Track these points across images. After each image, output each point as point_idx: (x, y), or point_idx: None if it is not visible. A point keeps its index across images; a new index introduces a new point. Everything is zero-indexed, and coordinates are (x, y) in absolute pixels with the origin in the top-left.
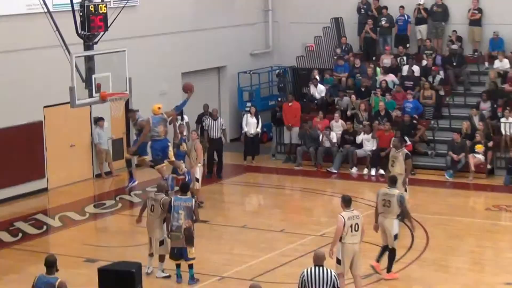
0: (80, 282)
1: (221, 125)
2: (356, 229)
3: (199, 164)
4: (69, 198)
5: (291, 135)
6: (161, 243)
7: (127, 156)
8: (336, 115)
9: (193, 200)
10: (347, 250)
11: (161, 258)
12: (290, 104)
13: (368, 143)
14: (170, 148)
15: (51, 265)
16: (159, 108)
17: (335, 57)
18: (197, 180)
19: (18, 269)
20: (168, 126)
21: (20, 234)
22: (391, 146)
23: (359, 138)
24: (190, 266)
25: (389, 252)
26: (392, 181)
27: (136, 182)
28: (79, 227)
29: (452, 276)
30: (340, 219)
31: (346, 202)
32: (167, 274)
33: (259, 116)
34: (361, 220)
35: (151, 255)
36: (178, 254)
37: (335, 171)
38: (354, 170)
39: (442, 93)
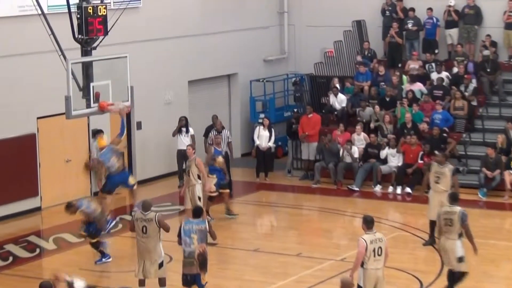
0: None
1: (227, 138)
2: (380, 253)
3: (200, 182)
4: (65, 218)
5: (309, 150)
6: (161, 265)
7: (92, 241)
8: (358, 127)
9: (207, 221)
10: (369, 276)
11: (162, 282)
12: (309, 116)
13: (393, 158)
14: (130, 179)
15: None
16: (102, 138)
17: (357, 64)
18: (199, 198)
19: None
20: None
21: (11, 258)
22: (434, 161)
23: (383, 153)
24: None
25: (457, 276)
26: (453, 198)
27: (110, 259)
28: (75, 250)
29: None
30: (362, 243)
31: (368, 223)
32: None
33: (273, 128)
34: (385, 243)
35: (141, 283)
36: (191, 281)
37: (357, 189)
38: (377, 188)
39: (474, 103)
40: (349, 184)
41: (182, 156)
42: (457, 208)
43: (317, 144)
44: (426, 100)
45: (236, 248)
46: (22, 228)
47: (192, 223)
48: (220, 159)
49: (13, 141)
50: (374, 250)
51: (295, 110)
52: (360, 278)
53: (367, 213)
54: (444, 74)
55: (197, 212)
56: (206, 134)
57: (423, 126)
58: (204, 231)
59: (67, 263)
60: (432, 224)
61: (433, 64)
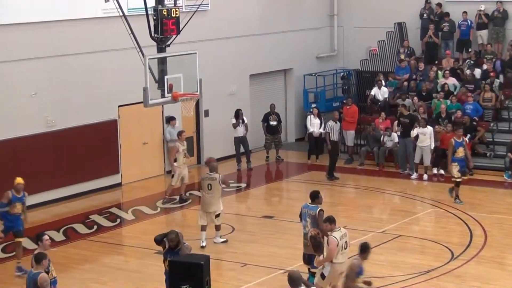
0: (151, 273)
1: (339, 129)
2: (345, 247)
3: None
4: (142, 193)
5: (347, 137)
6: (217, 215)
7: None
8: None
9: (318, 208)
10: (335, 270)
11: (218, 227)
12: (348, 107)
13: (424, 137)
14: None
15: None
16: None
17: (399, 60)
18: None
19: (93, 260)
20: None
21: (95, 227)
22: None
23: (413, 132)
24: (312, 273)
25: None
26: None
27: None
28: (150, 220)
29: (509, 273)
30: (333, 240)
31: (332, 221)
32: (225, 239)
33: (322, 117)
34: (349, 237)
35: (203, 228)
36: (308, 260)
37: (402, 172)
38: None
39: (502, 98)
40: (389, 167)
41: (238, 141)
42: None
43: (362, 132)
44: (463, 92)
45: (291, 220)
46: (105, 201)
47: (307, 208)
48: (460, 149)
49: (98, 126)
50: (342, 246)
51: (343, 101)
52: (326, 270)
53: (406, 192)
54: (477, 71)
55: (312, 196)
56: (264, 120)
57: (456, 115)
58: (314, 216)
59: (143, 231)
60: None
61: (471, 61)
